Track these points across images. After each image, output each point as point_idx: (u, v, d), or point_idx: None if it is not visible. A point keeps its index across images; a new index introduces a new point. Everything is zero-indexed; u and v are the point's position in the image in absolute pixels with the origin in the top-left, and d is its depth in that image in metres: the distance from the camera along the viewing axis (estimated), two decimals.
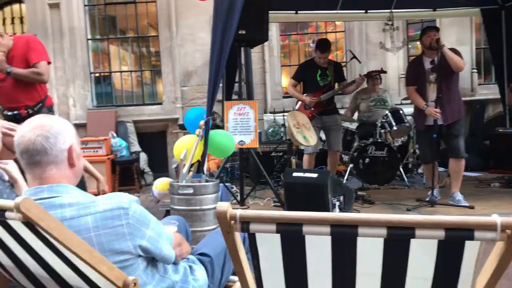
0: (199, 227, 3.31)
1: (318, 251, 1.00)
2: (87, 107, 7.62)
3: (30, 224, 1.11)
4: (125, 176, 6.67)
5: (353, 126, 6.38)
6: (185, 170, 3.52)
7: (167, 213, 4.05)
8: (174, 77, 7.58)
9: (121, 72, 8.04)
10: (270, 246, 1.01)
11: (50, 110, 3.79)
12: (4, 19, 9.30)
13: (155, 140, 7.62)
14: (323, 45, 5.15)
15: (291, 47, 8.38)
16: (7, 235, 1.23)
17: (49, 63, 3.73)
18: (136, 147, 7.38)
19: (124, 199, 1.39)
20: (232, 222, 0.96)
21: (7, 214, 1.07)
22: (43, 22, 7.50)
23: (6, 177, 1.86)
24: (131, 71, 8.11)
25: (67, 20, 7.49)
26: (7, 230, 1.21)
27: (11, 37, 3.69)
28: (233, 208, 0.97)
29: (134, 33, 7.98)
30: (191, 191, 3.34)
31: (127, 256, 1.38)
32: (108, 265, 1.22)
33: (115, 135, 6.87)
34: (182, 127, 6.66)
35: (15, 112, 3.64)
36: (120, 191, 1.36)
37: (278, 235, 0.98)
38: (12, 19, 9.25)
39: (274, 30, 7.56)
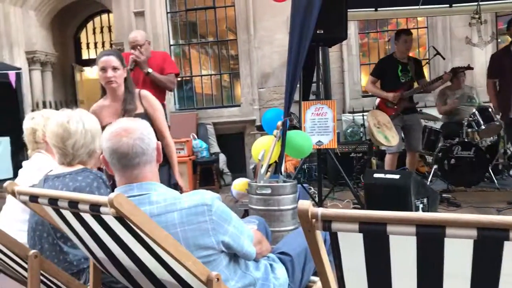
0: (277, 227, 3.33)
1: (403, 252, 0.97)
2: (170, 110, 7.93)
3: (122, 219, 1.18)
4: (205, 176, 6.87)
5: (437, 125, 6.10)
6: (263, 170, 3.55)
7: (246, 212, 4.11)
8: (252, 79, 7.68)
9: (201, 76, 8.29)
10: (353, 246, 0.99)
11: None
12: (94, 29, 9.96)
13: (233, 141, 7.77)
14: (405, 30, 5.05)
15: (370, 45, 8.18)
16: (101, 229, 1.31)
17: (177, 75, 4.33)
18: (215, 148, 7.57)
19: (207, 196, 1.44)
20: (314, 220, 0.95)
21: (102, 209, 1.15)
22: (129, 30, 7.90)
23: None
24: (210, 75, 8.34)
25: (151, 27, 7.85)
26: (101, 224, 1.29)
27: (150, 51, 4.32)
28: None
29: (213, 37, 8.20)
30: (269, 191, 3.37)
31: (211, 252, 1.42)
32: (193, 260, 1.26)
33: (196, 137, 7.10)
34: (259, 128, 6.73)
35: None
36: None
37: (361, 234, 0.96)
38: (101, 28, 9.89)
39: (352, 29, 7.42)
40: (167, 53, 4.51)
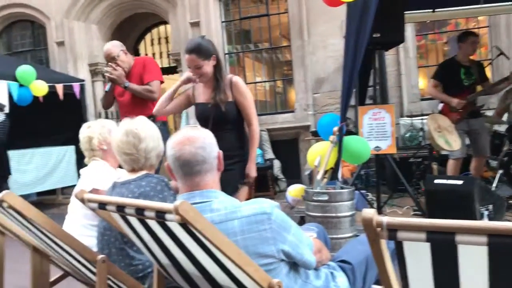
0: (335, 234, 3.29)
1: (473, 262, 0.93)
2: None
3: (186, 225, 1.21)
4: (260, 182, 6.89)
5: (502, 128, 5.81)
6: (319, 176, 3.53)
7: (302, 219, 4.09)
8: (306, 85, 7.65)
9: (255, 83, 8.36)
10: (419, 255, 0.97)
11: (163, 125, 3.92)
12: (152, 40, 10.28)
13: (287, 147, 7.76)
14: (471, 32, 4.87)
15: (428, 47, 7.94)
16: (165, 235, 1.35)
17: (162, 82, 4.01)
18: (270, 154, 7.60)
19: (267, 204, 1.45)
20: (379, 229, 0.94)
21: (167, 216, 1.18)
22: (186, 40, 8.09)
23: (173, 184, 2.05)
24: (264, 82, 8.39)
25: (206, 36, 8.00)
26: (165, 231, 1.33)
27: (133, 57, 4.07)
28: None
29: (267, 44, 8.25)
30: (326, 198, 3.34)
31: (271, 260, 1.42)
32: (255, 266, 1.27)
33: None
34: (314, 134, 6.69)
35: None
36: (256, 197, 1.44)
37: (428, 244, 0.93)
38: (159, 39, 10.19)
39: (409, 31, 7.23)
40: (149, 58, 4.26)
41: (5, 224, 1.98)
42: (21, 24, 9.66)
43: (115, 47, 3.93)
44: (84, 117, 8.07)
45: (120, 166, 2.42)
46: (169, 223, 1.27)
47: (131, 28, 9.78)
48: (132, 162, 2.07)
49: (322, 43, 7.55)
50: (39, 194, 7.09)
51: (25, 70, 6.51)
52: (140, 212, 1.26)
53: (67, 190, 7.76)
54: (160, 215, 1.21)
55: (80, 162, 7.65)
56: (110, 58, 3.88)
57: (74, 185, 7.41)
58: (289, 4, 7.73)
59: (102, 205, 1.41)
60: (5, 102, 6.23)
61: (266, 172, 6.94)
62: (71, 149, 7.47)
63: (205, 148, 1.52)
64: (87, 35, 8.92)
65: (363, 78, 4.99)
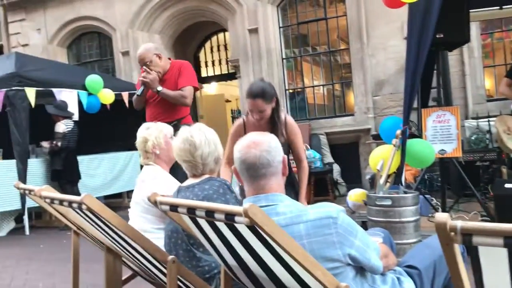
0: (398, 240, 3.21)
1: None
2: None
3: (254, 228, 1.23)
4: (319, 186, 6.86)
5: None
6: (382, 181, 3.47)
7: (363, 224, 4.03)
8: (366, 88, 7.54)
9: (313, 86, 8.33)
10: (496, 261, 0.94)
11: None
12: (211, 47, 10.51)
13: (347, 151, 7.67)
14: None
15: (495, 45, 7.59)
16: (233, 237, 1.39)
17: (196, 88, 3.98)
18: (329, 158, 7.53)
19: (332, 208, 1.45)
20: (452, 233, 0.92)
21: (236, 218, 1.22)
22: (244, 47, 8.23)
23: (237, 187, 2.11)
24: (322, 85, 8.35)
25: (264, 42, 8.09)
26: (233, 233, 1.37)
27: (169, 61, 4.02)
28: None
29: (324, 48, 8.21)
30: (389, 202, 3.28)
31: (337, 264, 1.43)
32: (322, 270, 1.28)
33: (309, 147, 7.14)
34: (375, 137, 6.57)
35: None
36: (315, 202, 1.44)
37: (505, 249, 0.91)
38: (218, 46, 10.41)
39: (474, 29, 6.95)
40: (186, 63, 4.12)
41: (81, 225, 2.10)
42: (89, 36, 10.18)
43: (148, 51, 3.86)
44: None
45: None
46: (237, 225, 1.30)
47: (192, 37, 10.04)
48: (192, 169, 2.15)
49: (382, 45, 7.41)
50: (106, 197, 7.41)
51: (93, 80, 6.85)
52: (210, 214, 1.31)
53: (132, 194, 8.06)
54: (230, 218, 1.24)
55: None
56: (143, 63, 3.84)
57: None
58: (348, 7, 7.66)
59: (174, 208, 1.47)
60: (75, 110, 6.59)
61: (325, 176, 6.90)
62: (136, 154, 7.76)
63: (270, 152, 1.54)
64: None
65: (426, 80, 4.84)
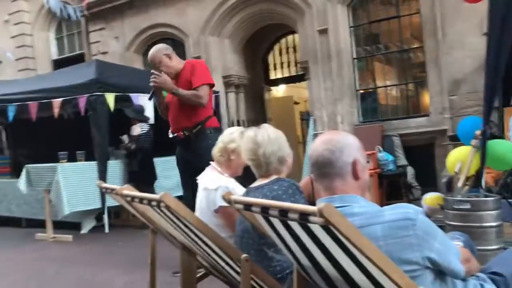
0: (478, 246, 3.04)
1: None
2: (354, 123, 7.94)
3: (328, 228, 1.22)
4: (392, 190, 6.67)
5: None
6: (460, 184, 3.32)
7: (441, 229, 3.86)
8: (442, 87, 7.23)
9: (385, 86, 8.12)
10: None
11: (210, 132, 3.73)
12: (280, 50, 10.56)
13: (422, 153, 7.38)
14: None
15: None
16: (307, 237, 1.38)
17: (211, 86, 3.77)
18: (402, 160, 7.29)
19: (411, 210, 1.40)
20: None
21: (311, 218, 1.21)
22: (313, 48, 8.19)
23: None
24: (395, 85, 8.12)
25: (334, 43, 7.99)
26: (307, 233, 1.36)
27: (182, 61, 3.88)
28: None
29: (397, 47, 7.97)
30: (468, 206, 3.13)
31: (415, 267, 1.38)
32: (399, 272, 1.24)
33: (381, 149, 6.96)
34: (452, 138, 6.28)
35: (175, 134, 3.79)
36: (387, 205, 1.40)
37: None
38: (287, 48, 10.43)
39: None
40: (199, 61, 3.98)
41: (158, 223, 2.19)
42: (163, 42, 10.53)
43: (158, 52, 3.74)
44: (219, 126, 8.55)
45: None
46: (311, 226, 1.30)
47: (261, 40, 10.14)
48: (257, 168, 2.19)
49: (459, 42, 7.07)
50: (178, 197, 7.61)
51: None
52: (283, 214, 1.31)
53: None
54: (304, 217, 1.24)
55: None
56: (153, 65, 3.73)
57: None
58: (422, 4, 7.39)
59: (248, 207, 1.50)
60: (151, 113, 6.86)
61: (398, 179, 6.70)
62: None
63: (334, 152, 1.51)
64: (221, 49, 9.45)
65: (508, 77, 4.57)
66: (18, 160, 9.01)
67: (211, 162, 2.84)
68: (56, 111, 6.39)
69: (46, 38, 12.72)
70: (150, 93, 3.74)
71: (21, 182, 6.28)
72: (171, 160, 7.39)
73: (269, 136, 2.20)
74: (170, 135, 3.82)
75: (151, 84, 3.61)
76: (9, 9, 12.66)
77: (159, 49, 3.76)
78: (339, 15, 8.00)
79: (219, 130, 3.77)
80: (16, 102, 6.72)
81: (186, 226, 1.81)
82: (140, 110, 6.66)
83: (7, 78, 11.42)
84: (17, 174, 7.45)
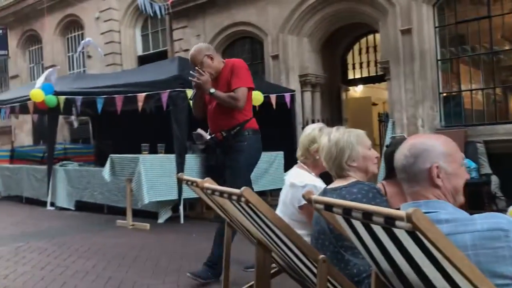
0: None
1: None
2: (435, 127, 7.62)
3: (414, 234, 1.18)
4: (473, 199, 6.33)
5: None
6: None
7: None
8: None
9: (471, 90, 7.71)
10: None
11: (253, 133, 3.68)
12: (360, 49, 10.35)
13: (508, 161, 6.93)
14: None
15: None
16: (389, 241, 1.34)
17: (250, 89, 3.67)
18: (486, 169, 6.89)
19: (504, 220, 1.32)
20: None
21: (397, 223, 1.17)
22: (395, 48, 7.95)
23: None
24: (481, 89, 7.68)
25: (418, 43, 7.71)
26: (390, 237, 1.32)
27: (223, 61, 3.78)
28: None
29: (485, 49, 7.53)
30: None
31: (508, 281, 1.30)
32: (490, 286, 1.17)
33: (463, 155, 6.61)
34: None
35: (213, 135, 3.74)
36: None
37: None
38: (367, 48, 10.21)
39: None
40: (238, 61, 3.78)
41: (236, 217, 2.22)
42: (242, 41, 10.75)
43: (199, 53, 3.64)
44: (293, 125, 8.55)
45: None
46: (396, 230, 1.26)
47: (340, 39, 10.01)
48: (330, 170, 2.21)
49: None
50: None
51: None
52: (367, 216, 1.28)
53: (275, 193, 8.31)
54: (389, 222, 1.20)
55: (289, 167, 8.12)
56: (195, 65, 3.64)
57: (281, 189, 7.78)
58: None
59: (329, 207, 1.48)
60: None
61: (481, 188, 6.35)
62: (280, 155, 7.97)
63: (406, 157, 1.49)
64: (299, 48, 9.44)
65: None
66: (102, 149, 9.57)
67: (298, 161, 2.84)
68: (140, 104, 6.70)
69: (133, 35, 13.37)
70: (193, 92, 3.73)
71: (106, 171, 6.63)
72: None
73: (330, 139, 2.17)
74: (208, 136, 3.79)
75: (194, 82, 3.58)
76: (100, 6, 13.45)
77: (200, 50, 3.67)
78: (424, 14, 7.71)
79: (258, 132, 3.75)
80: (104, 95, 7.12)
81: (264, 222, 1.82)
82: None
83: (96, 72, 12.16)
84: (100, 163, 7.92)
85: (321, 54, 9.73)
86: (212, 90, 3.55)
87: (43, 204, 8.16)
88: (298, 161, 2.84)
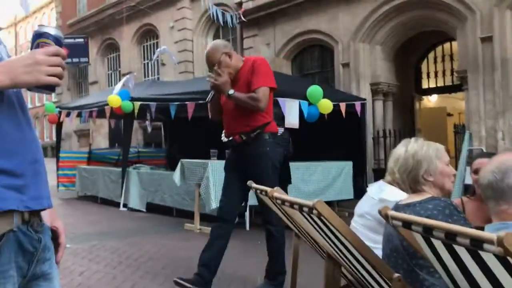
0: None
1: None
2: None
3: (504, 258, 1.08)
4: None
5: None
6: None
7: None
8: None
9: None
10: None
11: (269, 138, 3.46)
12: (435, 58, 9.97)
13: None
14: None
15: None
16: (474, 264, 1.25)
17: (272, 89, 3.40)
18: None
19: None
20: None
21: (485, 246, 1.08)
22: (474, 57, 7.57)
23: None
24: None
25: (499, 52, 7.29)
26: (475, 259, 1.23)
27: (242, 58, 3.53)
28: None
29: None
30: None
31: None
32: None
33: None
34: None
35: (231, 138, 3.47)
36: None
37: None
38: (443, 57, 9.81)
39: None
40: (260, 59, 3.48)
41: (305, 229, 2.18)
42: (311, 49, 10.71)
43: (217, 51, 3.36)
44: (363, 134, 8.35)
45: None
46: (482, 253, 1.17)
47: (414, 47, 9.71)
48: (401, 183, 2.11)
49: None
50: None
51: (314, 90, 7.15)
52: (451, 237, 1.19)
53: (342, 203, 8.14)
54: (476, 244, 1.12)
55: (357, 177, 7.93)
56: (212, 64, 3.37)
57: (350, 199, 7.62)
58: None
59: (407, 224, 1.40)
60: (296, 118, 6.94)
61: None
62: (349, 164, 7.81)
63: (493, 173, 1.41)
64: (371, 56, 9.24)
65: None
66: (173, 154, 9.86)
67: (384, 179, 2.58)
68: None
69: (205, 43, 13.74)
70: (210, 94, 3.48)
71: (176, 175, 6.81)
72: (312, 166, 7.49)
73: (407, 150, 2.06)
74: (224, 139, 3.54)
75: (211, 83, 3.32)
76: (175, 16, 13.94)
77: (217, 48, 3.39)
78: (508, 21, 7.29)
79: (277, 136, 3.54)
80: (176, 101, 7.33)
81: (336, 236, 1.76)
82: (278, 114, 6.77)
83: (169, 79, 12.59)
84: (171, 167, 8.15)
85: (394, 62, 9.47)
86: (231, 92, 3.28)
87: (117, 204, 8.51)
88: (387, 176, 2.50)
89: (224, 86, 3.27)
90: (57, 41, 1.12)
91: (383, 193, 2.50)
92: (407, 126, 9.72)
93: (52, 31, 1.13)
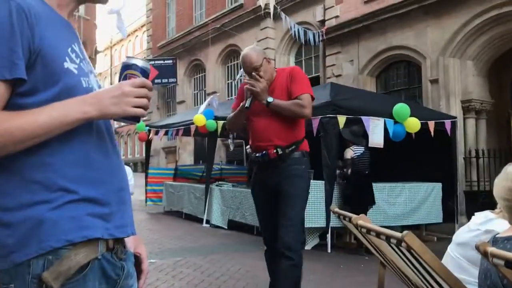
0: None
1: None
2: None
3: None
4: None
5: None
6: None
7: None
8: None
9: None
10: None
11: (304, 156, 3.20)
12: None
13: None
14: None
15: None
16: None
17: (313, 98, 3.18)
18: None
19: None
20: None
21: None
22: None
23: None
24: None
25: None
26: None
27: (275, 68, 3.37)
28: None
29: None
30: None
31: None
32: None
33: None
34: None
35: (263, 152, 3.15)
36: None
37: None
38: None
39: None
40: (297, 68, 3.35)
41: (392, 260, 2.05)
42: (397, 65, 10.37)
43: (259, 55, 3.19)
44: (453, 154, 7.87)
45: None
46: None
47: (510, 62, 9.04)
48: (509, 213, 1.82)
49: None
50: (403, 227, 7.25)
51: (400, 108, 6.86)
52: None
53: (430, 227, 7.70)
54: None
55: (447, 200, 7.47)
56: (252, 68, 3.14)
57: (438, 223, 7.16)
58: None
59: (510, 264, 1.25)
60: (381, 137, 6.69)
61: None
62: (438, 186, 7.40)
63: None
64: (462, 72, 8.76)
65: None
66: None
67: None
68: None
69: (287, 61, 13.81)
70: (249, 101, 3.15)
71: None
72: (397, 187, 7.18)
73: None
74: (253, 153, 3.27)
75: (250, 89, 3.11)
76: (258, 36, 14.19)
77: (259, 51, 3.26)
78: None
79: (305, 154, 3.26)
80: None
81: (426, 270, 1.63)
82: (357, 132, 6.57)
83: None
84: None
85: (488, 78, 8.89)
86: (270, 99, 3.08)
87: (200, 220, 8.71)
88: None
89: (263, 93, 3.09)
90: (144, 73, 1.14)
91: (490, 224, 2.23)
92: (503, 146, 9.03)
93: (140, 63, 1.15)
